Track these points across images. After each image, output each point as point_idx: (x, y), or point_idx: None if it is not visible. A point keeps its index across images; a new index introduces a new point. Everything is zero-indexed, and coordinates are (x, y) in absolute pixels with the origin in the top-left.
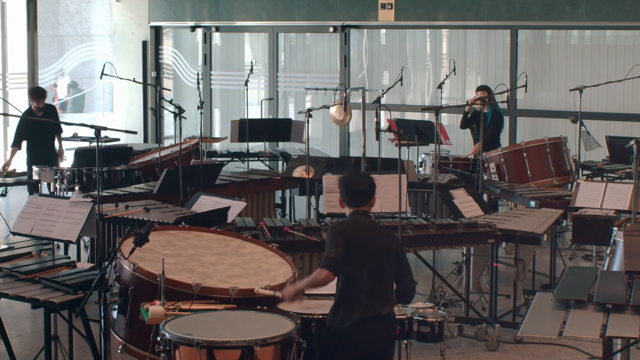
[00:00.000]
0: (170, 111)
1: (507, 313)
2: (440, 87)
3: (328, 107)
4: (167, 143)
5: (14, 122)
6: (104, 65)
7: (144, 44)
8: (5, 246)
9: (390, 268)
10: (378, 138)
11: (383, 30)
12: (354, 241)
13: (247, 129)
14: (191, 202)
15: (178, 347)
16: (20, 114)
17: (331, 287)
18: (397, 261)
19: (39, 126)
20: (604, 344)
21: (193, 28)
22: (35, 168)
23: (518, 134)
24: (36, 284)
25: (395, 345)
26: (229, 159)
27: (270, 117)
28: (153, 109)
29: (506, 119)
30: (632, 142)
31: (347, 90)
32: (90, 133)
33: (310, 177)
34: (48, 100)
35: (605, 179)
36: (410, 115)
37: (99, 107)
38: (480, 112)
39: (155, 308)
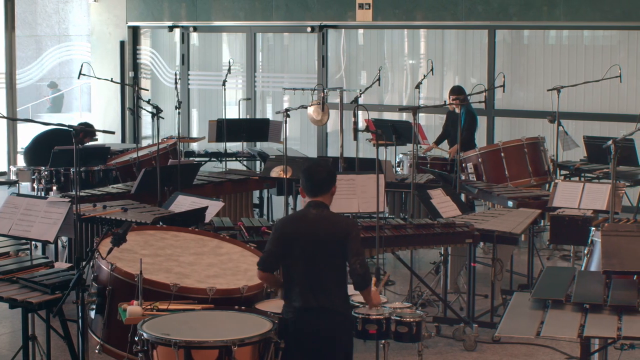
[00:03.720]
0: (147, 111)
1: (485, 313)
2: (418, 87)
3: (306, 107)
4: (144, 143)
5: None
6: (81, 66)
7: (122, 44)
8: None
9: (334, 260)
10: (356, 138)
11: (361, 30)
12: (289, 235)
13: (224, 129)
14: (169, 202)
15: (156, 347)
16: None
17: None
18: (345, 250)
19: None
20: (582, 344)
21: (171, 28)
22: (12, 168)
23: (496, 134)
24: (14, 284)
25: (373, 345)
26: (207, 159)
27: (248, 117)
28: (131, 109)
29: (484, 119)
30: (610, 142)
31: (325, 90)
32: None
33: (288, 177)
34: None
35: (583, 179)
36: (388, 115)
37: (77, 107)
38: (457, 113)
39: (133, 308)
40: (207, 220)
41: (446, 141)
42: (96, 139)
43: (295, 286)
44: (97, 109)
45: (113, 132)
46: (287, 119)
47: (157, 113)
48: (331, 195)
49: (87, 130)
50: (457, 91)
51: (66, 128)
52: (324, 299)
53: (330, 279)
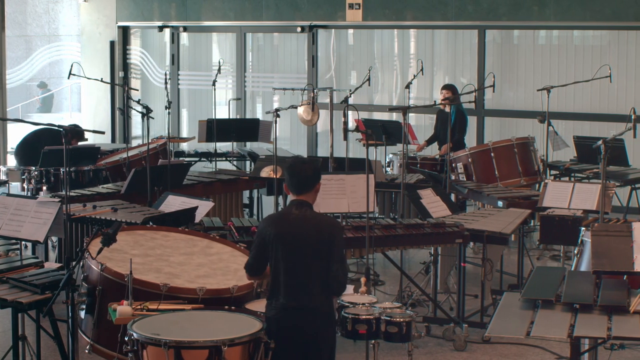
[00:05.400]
0: (137, 111)
1: (475, 313)
2: (408, 87)
3: (296, 107)
4: (134, 143)
5: None
6: (71, 65)
7: (112, 44)
8: None
9: (318, 260)
10: (346, 138)
11: (351, 30)
12: (270, 236)
13: (214, 129)
14: (159, 202)
15: (146, 347)
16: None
17: None
18: (327, 252)
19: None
20: (572, 344)
21: (161, 28)
22: (2, 168)
23: (486, 134)
24: (4, 284)
25: (363, 345)
26: (197, 159)
27: (238, 117)
28: (121, 109)
29: (474, 119)
30: (600, 142)
31: (315, 90)
32: None
33: (277, 177)
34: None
35: (572, 179)
36: (378, 115)
37: (67, 107)
38: (447, 112)
39: (123, 308)
40: (197, 220)
41: (436, 142)
42: (86, 139)
43: (280, 285)
44: (87, 109)
45: (103, 132)
46: (277, 119)
47: (147, 113)
48: (315, 192)
49: (75, 131)
50: (449, 86)
51: (55, 128)
52: (306, 299)
53: (312, 278)
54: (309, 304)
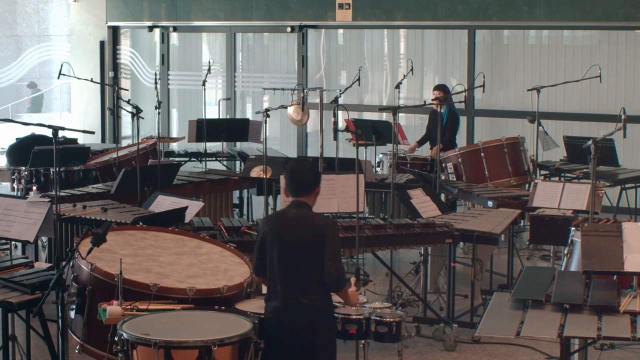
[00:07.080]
0: (127, 111)
1: (465, 313)
2: (397, 87)
3: (286, 107)
4: (124, 143)
5: None
6: (61, 66)
7: (102, 44)
8: None
9: (312, 258)
10: (336, 138)
11: (341, 30)
12: (267, 234)
13: (204, 129)
14: (149, 202)
15: (136, 347)
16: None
17: None
18: (321, 250)
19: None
20: (562, 344)
21: (151, 28)
22: None
23: (476, 134)
24: None
25: (353, 345)
26: (187, 159)
27: (228, 117)
28: (111, 109)
29: (464, 119)
30: (590, 142)
31: (305, 90)
32: None
33: (267, 177)
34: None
35: (562, 179)
36: (368, 115)
37: (57, 107)
38: (437, 112)
39: (113, 308)
40: (187, 220)
41: (428, 142)
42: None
43: (276, 284)
44: (77, 109)
45: (93, 132)
46: (267, 119)
47: (137, 113)
48: (315, 195)
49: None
50: (441, 86)
51: (46, 126)
52: (302, 296)
53: (308, 276)
54: (304, 301)
